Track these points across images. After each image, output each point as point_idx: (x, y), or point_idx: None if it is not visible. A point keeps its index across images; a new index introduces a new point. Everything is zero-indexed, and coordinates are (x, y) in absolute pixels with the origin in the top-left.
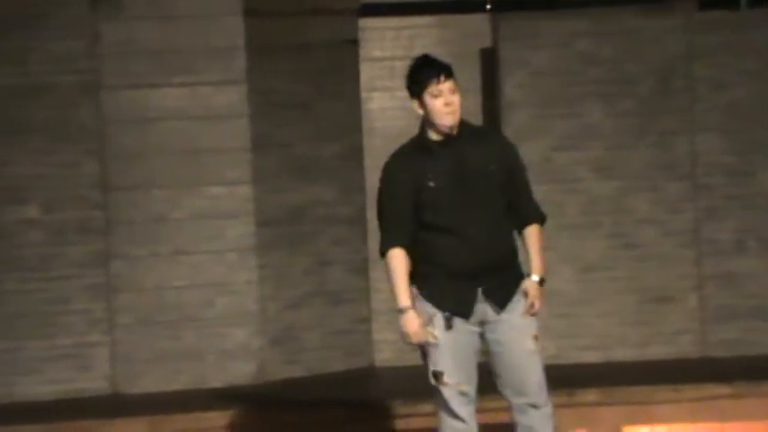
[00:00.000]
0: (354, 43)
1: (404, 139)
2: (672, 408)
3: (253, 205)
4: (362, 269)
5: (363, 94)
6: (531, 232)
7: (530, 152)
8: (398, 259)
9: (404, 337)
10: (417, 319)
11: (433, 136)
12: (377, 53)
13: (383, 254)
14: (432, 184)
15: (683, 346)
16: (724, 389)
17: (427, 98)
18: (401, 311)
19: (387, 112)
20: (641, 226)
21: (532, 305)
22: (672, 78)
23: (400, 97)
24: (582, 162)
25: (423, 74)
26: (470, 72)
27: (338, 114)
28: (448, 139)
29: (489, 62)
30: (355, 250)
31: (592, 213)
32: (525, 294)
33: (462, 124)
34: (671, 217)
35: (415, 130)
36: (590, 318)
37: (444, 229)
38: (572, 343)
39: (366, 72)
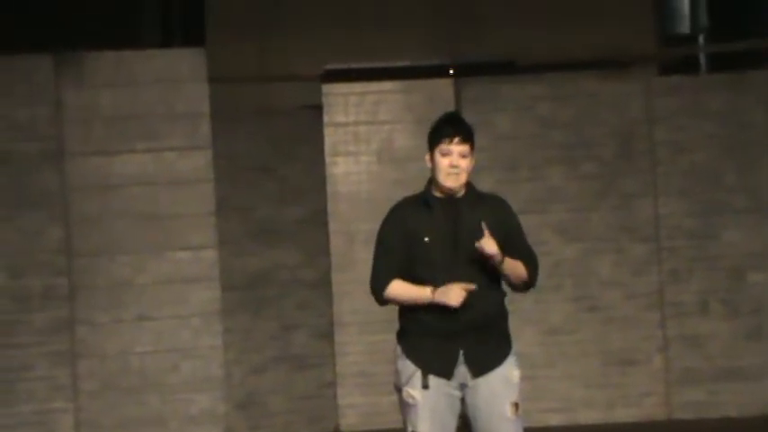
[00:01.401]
0: (318, 108)
1: (369, 203)
2: None
3: (217, 270)
4: (327, 333)
5: (327, 159)
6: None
7: None
8: (397, 284)
9: (457, 300)
10: (451, 288)
11: (436, 193)
12: (341, 118)
13: (380, 298)
14: (426, 239)
15: (649, 409)
16: None
17: (437, 154)
18: (434, 297)
19: (351, 177)
20: (605, 288)
21: (485, 245)
22: (632, 141)
23: (365, 162)
24: (546, 225)
25: (440, 130)
26: None
27: (302, 178)
28: (449, 198)
29: None
30: (320, 314)
31: (556, 276)
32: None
33: (468, 188)
34: (635, 279)
35: (380, 195)
36: (554, 380)
37: (432, 286)
38: (536, 406)
39: (330, 137)
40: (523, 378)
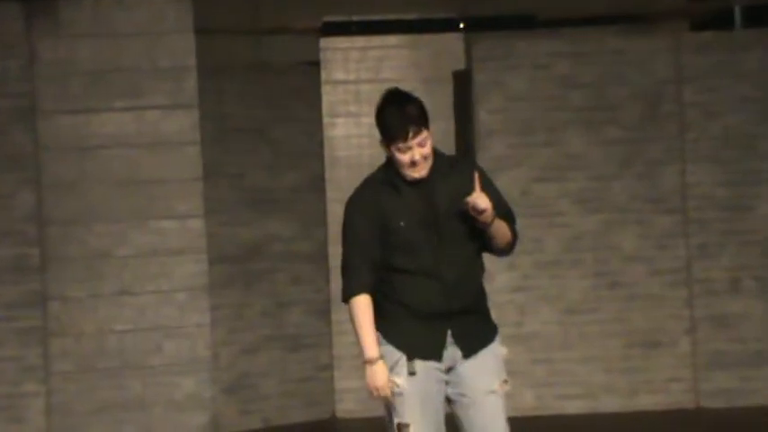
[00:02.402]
0: (316, 65)
1: (371, 169)
2: None
3: (205, 241)
4: (324, 311)
5: (325, 120)
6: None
7: (507, 183)
8: (364, 306)
9: (370, 391)
10: (386, 372)
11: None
12: (340, 76)
13: (346, 299)
14: (402, 224)
15: (675, 396)
16: None
17: (395, 151)
18: (368, 363)
19: (351, 140)
20: (628, 263)
21: (478, 199)
22: (659, 104)
23: (366, 124)
24: (563, 194)
25: (390, 129)
26: (443, 96)
27: (298, 142)
28: (417, 179)
29: (463, 85)
30: (316, 290)
31: (574, 250)
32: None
33: (435, 159)
34: (660, 254)
35: (383, 160)
36: (572, 364)
37: (416, 272)
38: (552, 391)
39: (328, 96)
40: (538, 361)
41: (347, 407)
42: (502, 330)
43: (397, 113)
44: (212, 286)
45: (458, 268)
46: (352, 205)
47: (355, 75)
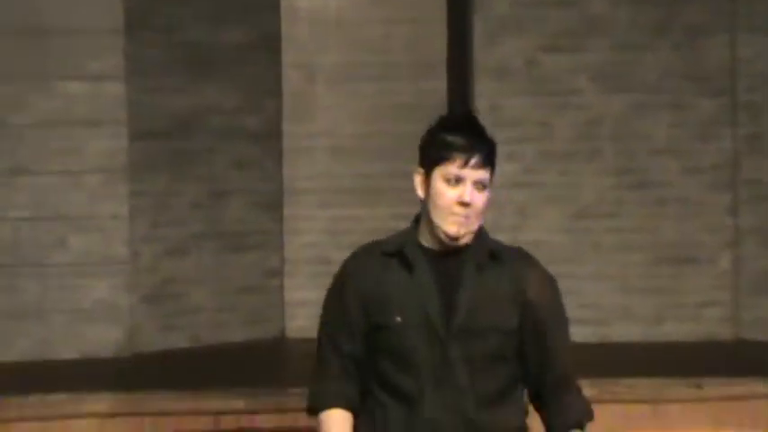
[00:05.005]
0: None
1: (339, 28)
2: (690, 409)
3: (125, 110)
4: (273, 203)
5: None
6: None
7: (509, 53)
8: (338, 424)
9: None
10: None
11: (424, 240)
12: None
13: (312, 412)
14: (398, 318)
15: (710, 325)
16: (762, 386)
17: (437, 179)
18: None
19: None
20: (658, 158)
21: None
22: None
23: None
24: (580, 67)
25: (445, 146)
26: None
27: None
28: (443, 252)
29: None
30: (264, 177)
31: (591, 138)
32: None
33: (477, 237)
34: (699, 147)
35: (355, 16)
36: (583, 281)
37: (407, 396)
38: None
39: None
40: None
41: (300, 323)
42: (496, 237)
43: (462, 133)
44: (132, 168)
45: (472, 404)
46: (338, 281)
47: None
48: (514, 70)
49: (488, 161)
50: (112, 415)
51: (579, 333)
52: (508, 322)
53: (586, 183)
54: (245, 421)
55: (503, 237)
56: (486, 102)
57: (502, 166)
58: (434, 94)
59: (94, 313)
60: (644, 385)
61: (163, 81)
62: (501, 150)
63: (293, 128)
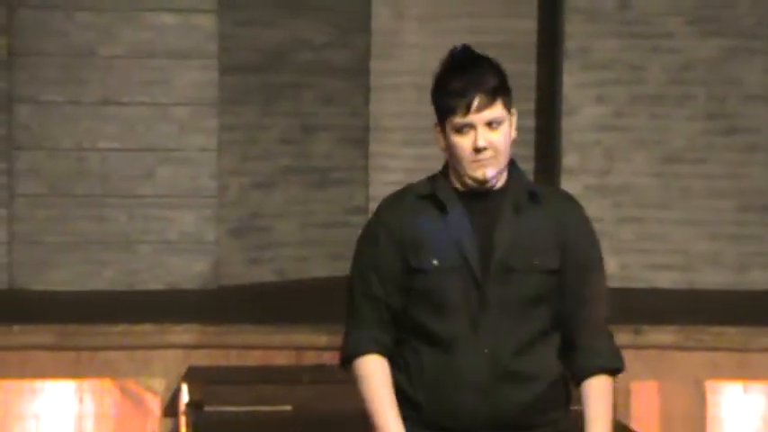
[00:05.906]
0: None
1: None
2: None
3: (215, 43)
4: (361, 140)
5: None
6: (594, 389)
7: None
8: (375, 368)
9: None
10: None
11: (457, 183)
12: None
13: (347, 361)
14: (435, 262)
15: None
16: None
17: (449, 131)
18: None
19: None
20: (750, 103)
21: None
22: None
23: None
24: (671, 10)
25: (446, 96)
26: None
27: None
28: (477, 193)
29: None
30: (351, 113)
31: (682, 83)
32: None
33: (512, 176)
34: None
35: None
36: (669, 226)
37: (442, 341)
38: (642, 259)
39: None
40: (626, 220)
41: None
42: (584, 180)
43: (459, 75)
44: (222, 101)
45: (510, 348)
46: (370, 229)
47: None
48: (606, 12)
49: (493, 97)
50: (197, 347)
51: (666, 278)
52: (548, 263)
53: (676, 127)
54: (326, 357)
55: (590, 179)
56: (576, 43)
57: (590, 107)
58: (524, 34)
59: (181, 245)
60: (729, 333)
61: (254, 15)
62: (590, 93)
63: (381, 65)
